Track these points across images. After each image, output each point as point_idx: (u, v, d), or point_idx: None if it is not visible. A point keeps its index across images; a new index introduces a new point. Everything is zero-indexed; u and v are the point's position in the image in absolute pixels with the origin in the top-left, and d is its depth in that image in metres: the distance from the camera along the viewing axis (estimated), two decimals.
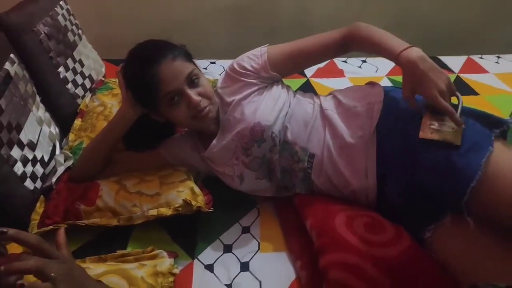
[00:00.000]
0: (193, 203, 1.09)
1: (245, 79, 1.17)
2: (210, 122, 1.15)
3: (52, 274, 0.61)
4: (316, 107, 1.17)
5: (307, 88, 1.78)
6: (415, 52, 1.00)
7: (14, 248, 0.94)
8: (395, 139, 1.05)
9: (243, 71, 1.18)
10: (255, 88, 1.17)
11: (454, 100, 1.03)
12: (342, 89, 1.23)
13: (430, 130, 0.99)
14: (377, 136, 1.06)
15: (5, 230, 0.63)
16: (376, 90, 1.15)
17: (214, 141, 1.18)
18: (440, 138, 0.98)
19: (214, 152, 1.18)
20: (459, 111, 1.00)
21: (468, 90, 1.81)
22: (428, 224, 0.97)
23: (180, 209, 1.10)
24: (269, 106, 1.14)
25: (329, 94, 1.23)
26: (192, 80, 1.09)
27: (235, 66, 1.20)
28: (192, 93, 1.08)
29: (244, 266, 1.07)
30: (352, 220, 1.02)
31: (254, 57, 1.19)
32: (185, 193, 1.13)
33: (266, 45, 1.22)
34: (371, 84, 1.21)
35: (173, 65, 1.07)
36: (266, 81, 1.20)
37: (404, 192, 1.02)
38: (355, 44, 1.16)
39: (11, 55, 1.21)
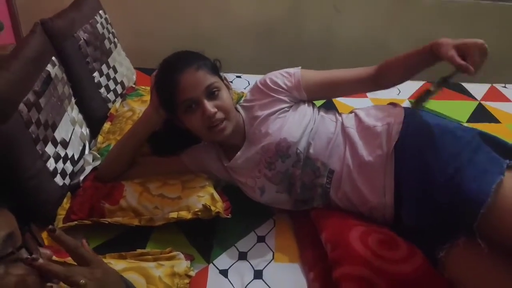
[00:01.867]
0: (213, 208, 1.13)
1: (276, 95, 1.21)
2: (223, 139, 1.17)
3: (82, 281, 0.65)
4: (338, 125, 1.20)
5: (330, 106, 1.80)
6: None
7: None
8: (412, 159, 1.07)
9: (275, 87, 1.22)
10: (284, 105, 1.21)
11: None
12: (363, 108, 1.26)
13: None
14: (395, 156, 1.09)
15: (53, 228, 0.68)
16: (397, 111, 1.18)
17: (239, 153, 1.21)
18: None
19: (238, 163, 1.22)
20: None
21: (490, 117, 1.81)
22: (441, 244, 0.99)
23: (199, 213, 1.14)
24: (296, 123, 1.18)
25: (351, 112, 1.26)
26: (212, 92, 1.12)
27: (268, 81, 1.23)
28: (209, 104, 1.11)
29: (258, 274, 1.10)
30: (367, 235, 1.04)
31: (288, 75, 1.24)
32: (205, 198, 1.17)
33: (299, 67, 1.26)
34: (393, 104, 1.25)
35: (195, 74, 1.11)
36: (294, 99, 1.24)
37: (419, 212, 1.04)
38: (389, 71, 1.21)
39: (53, 58, 1.29)
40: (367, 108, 1.26)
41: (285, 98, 1.22)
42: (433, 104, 1.95)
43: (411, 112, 1.18)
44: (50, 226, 0.67)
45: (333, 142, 1.17)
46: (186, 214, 1.14)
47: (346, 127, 1.19)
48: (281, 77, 1.24)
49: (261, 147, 1.18)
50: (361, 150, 1.13)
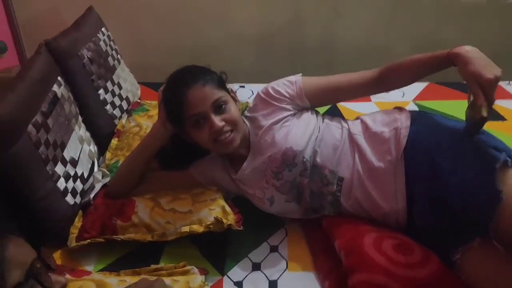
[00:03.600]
0: (224, 221, 1.13)
1: (278, 104, 1.22)
2: (232, 150, 1.17)
3: None
4: (344, 132, 1.20)
5: (334, 112, 1.81)
6: (465, 46, 1.02)
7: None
8: (421, 163, 1.07)
9: (278, 96, 1.22)
10: (287, 113, 1.21)
11: None
12: (369, 114, 1.26)
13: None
14: (405, 160, 1.09)
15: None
16: (404, 115, 1.18)
17: (245, 163, 1.22)
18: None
19: (246, 174, 1.22)
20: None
21: (495, 115, 1.80)
22: (457, 247, 0.98)
23: (211, 226, 1.14)
24: (300, 131, 1.18)
25: (357, 118, 1.26)
26: (219, 106, 1.13)
27: (270, 90, 1.24)
28: (216, 118, 1.12)
29: (273, 285, 1.09)
30: (380, 241, 1.03)
31: (289, 84, 1.24)
32: (216, 211, 1.17)
33: (299, 74, 1.27)
34: (398, 109, 1.24)
35: (202, 90, 1.12)
36: (297, 107, 1.24)
37: (432, 214, 1.04)
38: (393, 73, 1.19)
39: (59, 78, 1.30)
40: (372, 114, 1.26)
41: (288, 107, 1.22)
42: (437, 104, 1.97)
43: (418, 116, 1.18)
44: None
45: (341, 149, 1.17)
46: (198, 228, 1.14)
47: (353, 134, 1.19)
48: (283, 85, 1.24)
49: (268, 157, 1.18)
50: (370, 156, 1.13)
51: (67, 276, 0.98)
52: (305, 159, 1.16)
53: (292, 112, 1.23)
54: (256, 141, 1.22)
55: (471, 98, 1.00)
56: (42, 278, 0.70)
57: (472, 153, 1.03)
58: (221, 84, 1.19)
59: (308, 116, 1.23)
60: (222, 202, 1.20)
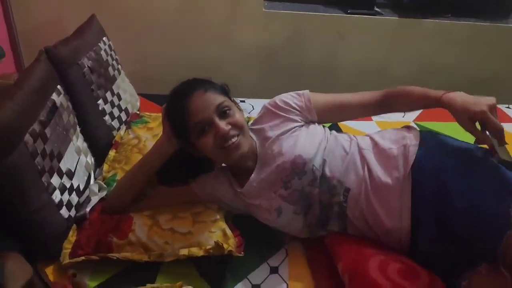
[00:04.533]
0: (225, 246, 1.09)
1: (286, 115, 1.21)
2: (240, 157, 1.15)
3: None
4: (353, 144, 1.19)
5: (335, 130, 1.79)
6: (456, 92, 1.08)
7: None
8: (428, 182, 1.05)
9: (286, 107, 1.22)
10: (295, 124, 1.21)
11: None
12: (378, 131, 1.26)
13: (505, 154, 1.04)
14: (412, 179, 1.07)
15: (75, 273, 0.65)
16: (413, 134, 1.17)
17: (253, 175, 1.19)
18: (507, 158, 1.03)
19: (254, 186, 1.19)
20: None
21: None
22: (462, 272, 0.95)
23: (211, 251, 1.10)
24: (309, 140, 1.17)
25: (366, 135, 1.25)
26: (223, 111, 1.12)
27: (278, 102, 1.24)
28: (221, 122, 1.11)
29: None
30: (385, 265, 1.00)
31: (297, 96, 1.25)
32: (217, 234, 1.13)
33: (306, 90, 1.27)
34: (407, 127, 1.24)
35: (203, 96, 1.11)
36: (305, 120, 1.24)
37: (437, 237, 1.01)
38: (395, 101, 1.22)
39: (58, 86, 1.27)
40: (381, 132, 1.25)
41: (296, 118, 1.22)
42: (437, 125, 1.97)
43: (427, 135, 1.16)
44: (72, 271, 0.65)
45: (349, 160, 1.15)
46: (197, 251, 1.11)
47: (361, 148, 1.17)
48: (291, 97, 1.25)
49: (276, 166, 1.16)
50: (377, 171, 1.11)
51: None
52: (314, 168, 1.14)
53: (300, 124, 1.22)
54: (263, 153, 1.20)
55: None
56: None
57: (486, 177, 1.01)
58: (224, 92, 1.19)
59: (315, 128, 1.23)
60: (223, 224, 1.17)
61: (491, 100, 1.03)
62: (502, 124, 1.88)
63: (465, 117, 1.03)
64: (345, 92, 1.29)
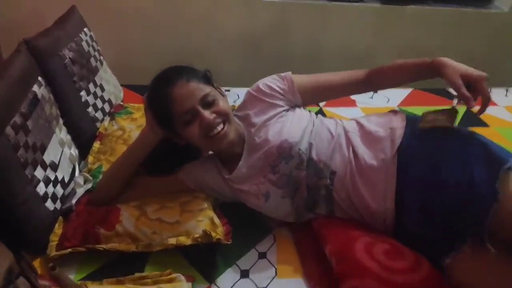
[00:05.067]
0: (213, 234, 1.09)
1: (270, 100, 1.21)
2: (227, 145, 1.15)
3: None
4: (339, 127, 1.20)
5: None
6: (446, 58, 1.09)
7: None
8: (415, 164, 1.07)
9: (270, 92, 1.22)
10: (280, 109, 1.21)
11: None
12: (364, 116, 1.27)
13: (427, 121, 1.11)
14: (398, 161, 1.08)
15: (53, 265, 0.65)
16: (399, 117, 1.19)
17: (241, 162, 1.19)
18: (436, 124, 1.09)
19: (243, 172, 1.19)
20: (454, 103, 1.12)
21: (478, 122, 1.83)
22: (447, 251, 0.97)
23: (199, 239, 1.10)
24: (295, 124, 1.17)
25: (352, 119, 1.26)
26: (208, 102, 1.11)
27: (261, 86, 1.23)
28: (206, 112, 1.10)
29: None
30: (371, 246, 1.02)
31: (279, 78, 1.25)
32: (204, 223, 1.13)
33: (289, 72, 1.27)
34: (394, 112, 1.25)
35: (187, 86, 1.10)
36: (290, 103, 1.24)
37: (423, 217, 1.03)
38: (379, 77, 1.23)
39: (39, 78, 1.25)
40: (368, 116, 1.27)
41: (280, 103, 1.22)
42: (421, 110, 1.98)
43: (413, 118, 1.18)
44: (51, 264, 0.65)
45: (334, 143, 1.16)
46: (185, 240, 1.11)
47: (347, 131, 1.18)
48: (274, 81, 1.25)
49: (263, 152, 1.16)
50: (363, 154, 1.12)
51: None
52: (301, 151, 1.14)
53: (285, 108, 1.22)
54: (250, 139, 1.20)
55: (455, 104, 1.09)
56: (29, 274, 0.66)
57: (477, 153, 1.03)
58: (207, 80, 1.17)
59: (301, 112, 1.24)
60: (210, 212, 1.17)
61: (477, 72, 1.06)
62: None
63: (458, 74, 1.04)
64: None
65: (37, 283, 0.65)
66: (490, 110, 1.89)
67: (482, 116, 1.84)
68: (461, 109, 1.12)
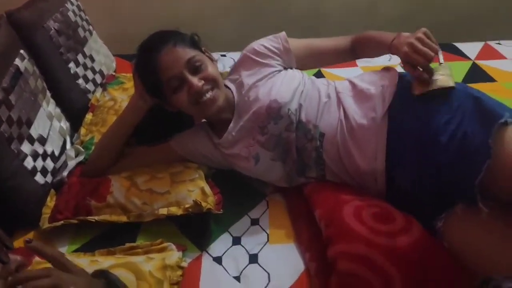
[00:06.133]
0: (204, 204, 1.08)
1: (263, 61, 1.19)
2: (216, 110, 1.13)
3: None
4: (330, 89, 1.18)
5: (319, 77, 1.75)
6: (401, 35, 1.07)
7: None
8: (407, 122, 1.03)
9: (265, 52, 1.20)
10: (273, 69, 1.19)
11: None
12: (358, 75, 1.24)
13: (421, 85, 1.04)
14: (389, 119, 1.05)
15: (29, 239, 0.64)
16: (391, 74, 1.15)
17: (231, 124, 1.18)
18: (433, 87, 1.02)
19: (233, 136, 1.17)
20: (441, 56, 1.06)
21: (485, 77, 1.75)
22: (439, 213, 0.95)
23: (190, 209, 1.10)
24: (285, 85, 1.15)
25: (346, 80, 1.23)
26: (195, 66, 1.09)
27: (255, 47, 1.21)
28: (194, 78, 1.08)
29: (253, 258, 1.07)
30: (360, 210, 1.00)
31: (274, 38, 1.24)
32: (195, 193, 1.13)
33: (283, 32, 1.25)
34: (387, 69, 1.21)
35: (173, 51, 1.08)
36: (283, 64, 1.22)
37: (416, 176, 1.00)
38: (360, 47, 1.24)
39: (21, 51, 1.22)
40: (361, 75, 1.24)
41: (273, 63, 1.20)
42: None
43: (406, 75, 1.13)
44: (27, 238, 0.64)
45: (324, 105, 1.14)
46: (176, 210, 1.11)
47: (338, 92, 1.16)
48: (268, 40, 1.23)
49: (252, 112, 1.14)
50: (353, 113, 1.09)
51: (36, 258, 0.95)
52: (290, 112, 1.12)
53: (277, 69, 1.20)
54: (241, 101, 1.18)
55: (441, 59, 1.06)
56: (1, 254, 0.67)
57: (470, 108, 0.99)
58: (194, 44, 1.15)
59: (293, 73, 1.22)
60: (201, 183, 1.16)
61: (417, 34, 1.02)
62: (493, 61, 1.85)
63: (410, 56, 1.02)
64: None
65: (5, 257, 0.64)
66: (498, 63, 1.84)
67: (489, 71, 1.79)
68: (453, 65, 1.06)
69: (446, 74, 1.04)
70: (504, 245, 0.88)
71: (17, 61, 1.18)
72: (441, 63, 1.05)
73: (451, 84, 1.02)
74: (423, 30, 1.03)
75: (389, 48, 1.09)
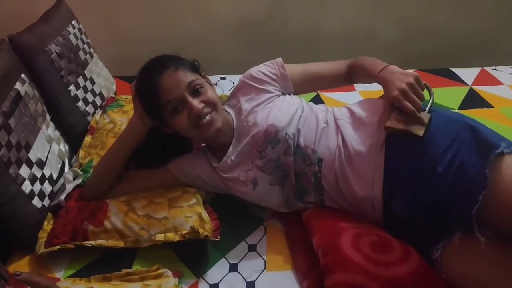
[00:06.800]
0: (201, 231, 1.08)
1: (261, 86, 1.22)
2: (215, 133, 1.13)
3: None
4: (329, 115, 1.20)
5: (317, 102, 1.76)
6: (389, 69, 1.10)
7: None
8: (405, 150, 1.04)
9: (261, 78, 1.23)
10: (270, 95, 1.21)
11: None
12: (356, 102, 1.25)
13: (397, 120, 1.04)
14: (387, 147, 1.05)
15: (18, 273, 0.64)
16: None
17: (231, 149, 1.19)
18: (404, 128, 1.02)
19: (232, 160, 1.18)
20: (429, 105, 1.08)
21: (482, 102, 1.77)
22: (437, 242, 0.95)
23: (187, 236, 1.10)
24: (283, 110, 1.17)
25: (344, 106, 1.25)
26: (195, 90, 1.11)
27: (252, 73, 1.24)
28: (194, 101, 1.10)
29: (250, 286, 1.06)
30: (358, 239, 0.99)
31: (270, 64, 1.26)
32: (193, 219, 1.12)
33: (279, 58, 1.28)
34: None
35: (174, 74, 1.10)
36: (280, 89, 1.24)
37: (412, 205, 1.00)
38: (355, 73, 1.26)
39: (22, 75, 1.23)
40: (359, 102, 1.25)
41: (271, 88, 1.22)
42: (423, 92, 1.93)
43: None
44: (16, 272, 0.64)
45: (322, 130, 1.15)
46: (173, 236, 1.10)
47: (337, 118, 1.17)
48: (265, 67, 1.26)
49: (251, 137, 1.16)
50: (352, 140, 1.10)
51: None
52: (287, 136, 1.13)
53: (275, 94, 1.22)
54: (240, 126, 1.20)
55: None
56: None
57: (467, 138, 0.99)
58: (194, 69, 1.17)
59: (291, 98, 1.24)
60: (199, 208, 1.16)
61: (411, 77, 1.04)
62: (490, 87, 1.87)
63: (396, 93, 1.04)
64: (331, 60, 1.31)
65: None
66: (495, 89, 1.86)
67: (486, 97, 1.81)
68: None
69: (422, 123, 1.04)
70: (506, 277, 0.87)
71: (18, 85, 1.19)
72: (425, 111, 1.06)
73: (420, 134, 1.01)
74: (415, 76, 1.04)
75: (376, 79, 1.13)
